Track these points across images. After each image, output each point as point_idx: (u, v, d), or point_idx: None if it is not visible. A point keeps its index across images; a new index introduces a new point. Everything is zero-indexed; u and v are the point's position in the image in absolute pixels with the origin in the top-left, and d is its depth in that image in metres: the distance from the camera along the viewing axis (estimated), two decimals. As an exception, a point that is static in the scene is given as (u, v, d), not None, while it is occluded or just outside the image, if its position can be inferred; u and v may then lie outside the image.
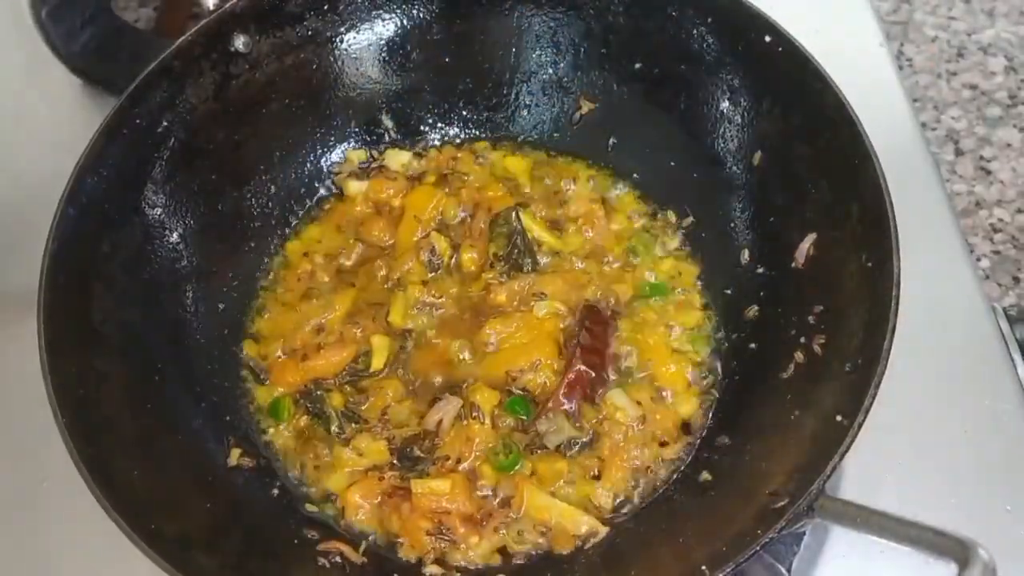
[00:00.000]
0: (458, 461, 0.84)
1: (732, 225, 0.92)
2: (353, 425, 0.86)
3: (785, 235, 0.85)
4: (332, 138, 1.01)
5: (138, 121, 0.86)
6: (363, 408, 0.87)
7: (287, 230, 0.98)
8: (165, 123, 0.88)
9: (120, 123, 0.85)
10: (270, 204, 0.97)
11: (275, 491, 0.84)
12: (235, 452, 0.84)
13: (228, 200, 0.94)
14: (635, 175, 0.99)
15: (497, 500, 0.82)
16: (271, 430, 0.88)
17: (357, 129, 1.01)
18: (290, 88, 0.96)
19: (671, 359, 0.89)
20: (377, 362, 0.89)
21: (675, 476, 0.84)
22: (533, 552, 0.80)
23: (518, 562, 0.80)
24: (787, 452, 0.73)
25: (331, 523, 0.83)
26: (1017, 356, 0.92)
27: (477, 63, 1.01)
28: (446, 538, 0.80)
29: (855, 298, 0.76)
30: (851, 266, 0.77)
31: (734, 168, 0.92)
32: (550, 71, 1.00)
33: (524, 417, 0.85)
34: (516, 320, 0.90)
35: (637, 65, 0.97)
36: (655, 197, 0.98)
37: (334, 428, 0.86)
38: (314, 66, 0.97)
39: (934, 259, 0.96)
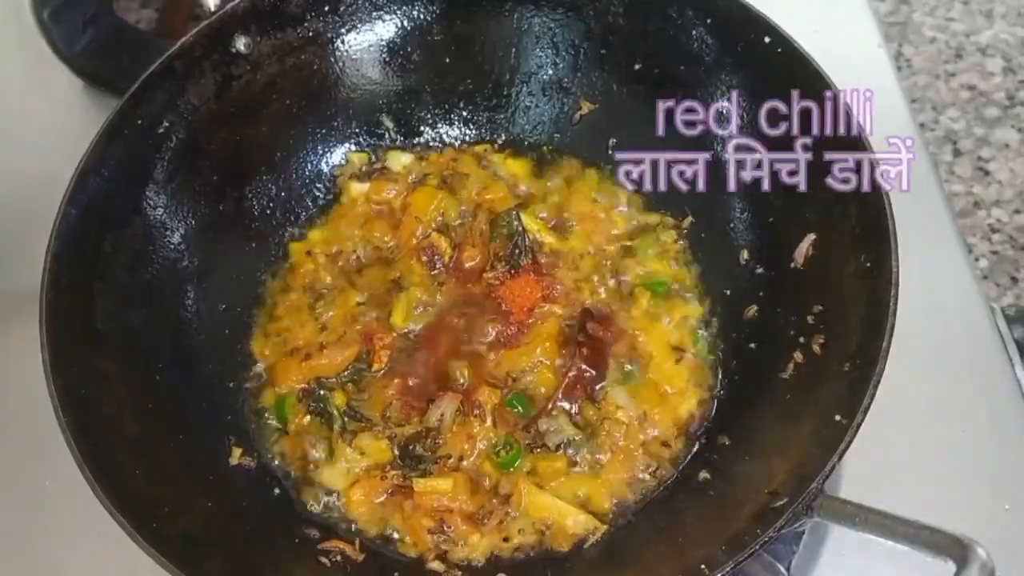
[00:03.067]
0: (460, 459, 0.84)
1: (731, 225, 0.93)
2: (355, 424, 0.87)
3: (784, 235, 0.85)
4: (333, 139, 1.01)
5: (139, 122, 0.86)
6: (365, 407, 0.88)
7: (289, 231, 0.98)
8: (166, 124, 0.88)
9: (122, 124, 0.85)
10: (271, 205, 0.97)
11: (276, 490, 0.84)
12: (236, 451, 0.84)
13: (229, 201, 0.94)
14: (635, 175, 0.99)
15: (497, 498, 0.82)
16: (273, 429, 0.88)
17: (358, 130, 1.02)
18: (291, 89, 0.97)
19: (671, 359, 0.89)
20: (379, 361, 0.89)
21: (675, 475, 0.84)
22: (532, 550, 0.81)
23: (518, 560, 0.80)
24: (786, 452, 0.74)
25: (332, 522, 0.83)
26: (1015, 356, 0.93)
27: (477, 64, 1.01)
28: (447, 536, 0.81)
29: (854, 298, 0.77)
30: (850, 266, 0.78)
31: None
32: (550, 72, 1.00)
33: (521, 410, 0.85)
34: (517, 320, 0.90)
35: (637, 66, 0.97)
36: (655, 197, 0.98)
37: (337, 427, 0.86)
38: (315, 67, 0.97)
39: (933, 259, 0.97)
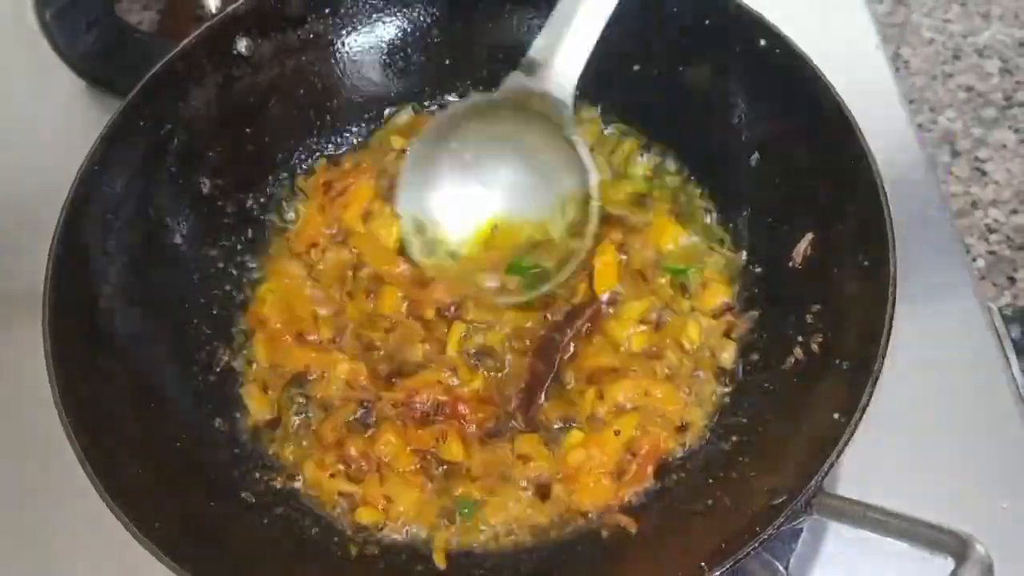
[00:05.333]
0: None
1: (731, 226, 0.93)
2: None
3: (783, 235, 0.86)
4: (334, 139, 1.01)
5: (142, 123, 0.87)
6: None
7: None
8: (168, 125, 0.89)
9: (124, 125, 0.85)
10: (272, 206, 0.98)
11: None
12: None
13: (232, 202, 0.94)
14: (634, 176, 1.00)
15: None
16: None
17: (359, 131, 1.02)
18: (292, 90, 0.97)
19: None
20: None
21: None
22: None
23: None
24: (785, 450, 0.74)
25: (339, 524, 0.83)
26: (1012, 355, 0.93)
27: (477, 66, 1.01)
28: None
29: (852, 297, 0.77)
30: (848, 266, 0.78)
31: (732, 169, 0.93)
32: (550, 73, 1.01)
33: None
34: None
35: (636, 67, 0.97)
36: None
37: None
38: (315, 69, 0.98)
39: (930, 259, 0.97)
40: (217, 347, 0.90)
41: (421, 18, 1.00)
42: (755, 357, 0.86)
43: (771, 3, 0.88)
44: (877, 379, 0.69)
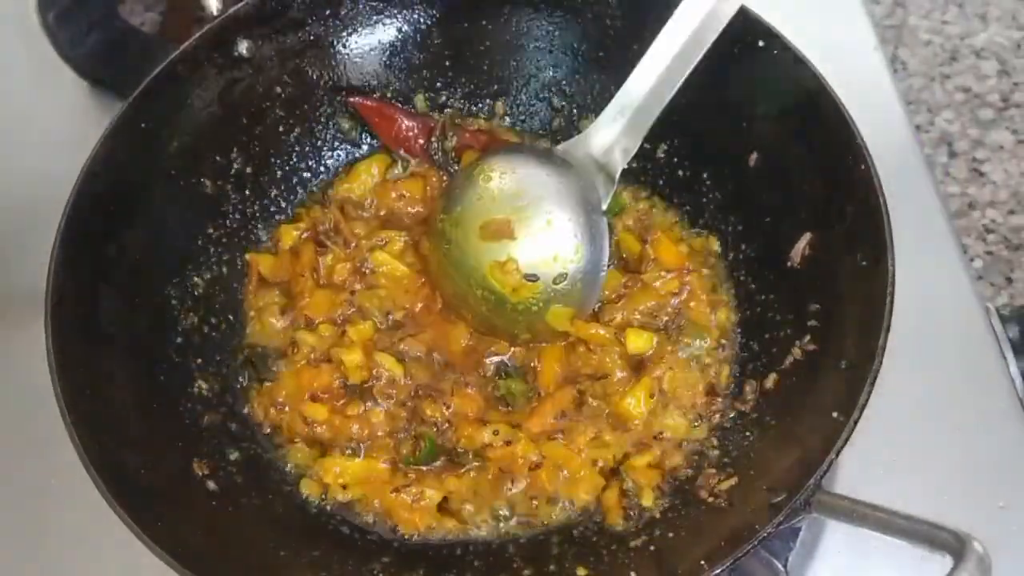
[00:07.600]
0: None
1: (728, 227, 0.93)
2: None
3: (781, 235, 0.86)
4: (335, 141, 1.02)
5: (143, 124, 0.87)
6: None
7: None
8: (170, 126, 0.89)
9: (126, 126, 0.85)
10: (272, 207, 0.98)
11: (287, 488, 0.85)
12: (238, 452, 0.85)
13: (232, 203, 0.95)
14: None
15: None
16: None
17: (358, 131, 1.02)
18: (293, 92, 0.97)
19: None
20: None
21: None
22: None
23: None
24: (784, 448, 0.74)
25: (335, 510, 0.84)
26: (1009, 355, 0.94)
27: (478, 67, 1.02)
28: None
29: (850, 297, 0.78)
30: (847, 266, 0.79)
31: (730, 169, 0.93)
32: (549, 74, 1.01)
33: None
34: None
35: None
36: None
37: None
38: (316, 70, 0.98)
39: (928, 259, 0.98)
40: (222, 349, 0.90)
41: (421, 20, 1.00)
42: (753, 356, 0.86)
43: (771, 4, 0.88)
44: (876, 378, 0.70)
